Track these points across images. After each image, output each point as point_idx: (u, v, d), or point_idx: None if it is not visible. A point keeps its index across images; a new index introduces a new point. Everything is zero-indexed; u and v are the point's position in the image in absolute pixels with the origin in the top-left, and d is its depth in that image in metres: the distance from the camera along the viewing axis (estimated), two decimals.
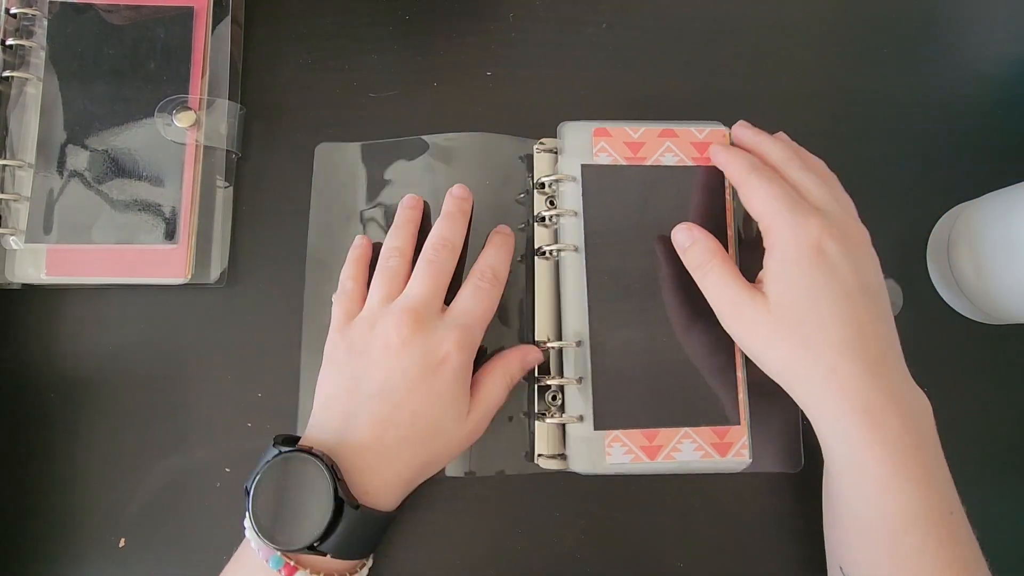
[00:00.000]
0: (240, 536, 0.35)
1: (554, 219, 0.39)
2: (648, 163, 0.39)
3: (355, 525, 0.32)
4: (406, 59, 0.45)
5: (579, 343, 0.37)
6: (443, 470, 0.38)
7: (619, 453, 0.37)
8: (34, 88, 0.41)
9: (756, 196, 0.34)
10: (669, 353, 0.38)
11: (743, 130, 0.38)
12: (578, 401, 0.37)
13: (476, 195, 0.41)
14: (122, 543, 0.38)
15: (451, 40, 0.45)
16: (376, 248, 0.40)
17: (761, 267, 0.35)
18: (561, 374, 0.38)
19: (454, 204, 0.39)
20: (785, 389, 0.34)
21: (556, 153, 0.40)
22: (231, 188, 0.42)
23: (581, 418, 0.37)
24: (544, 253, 0.39)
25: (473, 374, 0.36)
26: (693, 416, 0.37)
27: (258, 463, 0.32)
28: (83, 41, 0.41)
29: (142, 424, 0.40)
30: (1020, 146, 0.44)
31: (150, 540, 0.39)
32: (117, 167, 0.40)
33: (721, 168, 0.38)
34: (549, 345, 0.38)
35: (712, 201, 0.39)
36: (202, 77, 0.42)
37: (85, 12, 0.42)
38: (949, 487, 0.32)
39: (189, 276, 0.40)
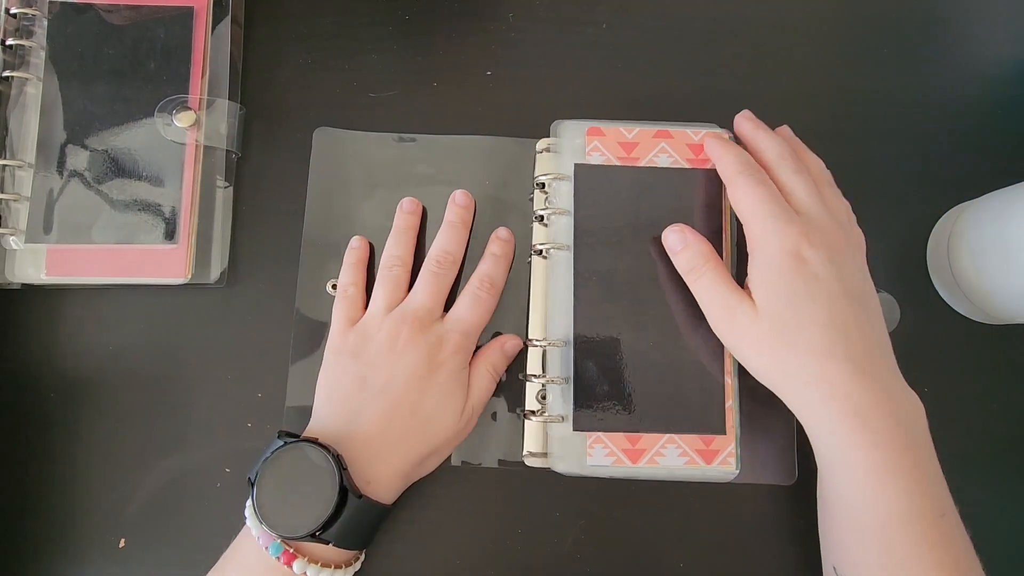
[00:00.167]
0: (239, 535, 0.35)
1: (550, 217, 0.39)
2: (641, 164, 0.39)
3: (357, 515, 0.33)
4: (406, 59, 0.45)
5: (565, 342, 0.38)
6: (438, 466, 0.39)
7: (600, 455, 0.37)
8: (34, 88, 0.41)
9: (741, 198, 0.35)
10: (655, 357, 0.37)
11: (744, 121, 0.38)
12: (560, 401, 0.37)
13: (476, 195, 0.42)
14: (122, 543, 0.38)
15: (451, 40, 0.45)
16: (372, 246, 0.41)
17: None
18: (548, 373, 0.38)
19: (456, 214, 0.41)
20: (776, 393, 0.34)
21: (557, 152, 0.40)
22: (231, 188, 0.42)
23: (563, 418, 0.37)
24: (541, 252, 0.40)
25: None
26: (677, 423, 0.37)
27: (262, 454, 0.33)
28: (83, 41, 0.41)
29: (142, 424, 0.40)
30: (1020, 146, 0.44)
31: (150, 540, 0.39)
32: (117, 167, 0.40)
33: (713, 160, 0.38)
34: (538, 343, 0.38)
35: (707, 204, 0.39)
36: (202, 77, 0.42)
37: (85, 12, 0.42)
38: (941, 489, 0.32)
39: (189, 276, 0.40)
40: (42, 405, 0.40)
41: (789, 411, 0.34)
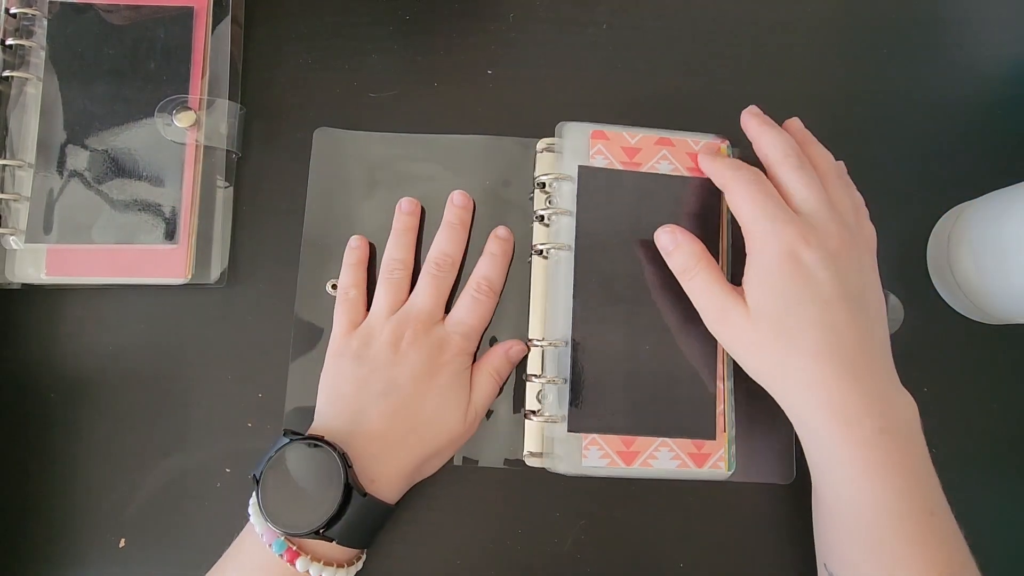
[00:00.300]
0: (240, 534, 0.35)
1: (551, 218, 0.39)
2: (643, 169, 0.39)
3: (360, 513, 0.33)
4: (406, 59, 0.45)
5: (564, 343, 0.38)
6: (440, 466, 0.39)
7: (595, 456, 0.37)
8: (34, 88, 0.41)
9: (738, 201, 0.34)
10: (651, 361, 0.38)
11: (751, 118, 0.37)
12: (557, 401, 0.37)
13: (476, 195, 0.42)
14: (122, 543, 0.38)
15: (451, 40, 0.45)
16: (372, 246, 0.41)
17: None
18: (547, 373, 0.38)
19: (455, 215, 0.41)
20: (769, 392, 0.34)
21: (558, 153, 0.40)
22: (231, 188, 0.42)
23: (560, 418, 0.37)
24: (541, 252, 0.40)
25: None
26: (669, 427, 0.37)
27: (267, 452, 0.33)
28: (83, 41, 0.41)
29: (142, 424, 0.40)
30: (1020, 146, 0.44)
31: (150, 540, 0.39)
32: (117, 167, 0.40)
33: (708, 174, 0.38)
34: (537, 344, 0.38)
35: (706, 212, 0.39)
36: (202, 77, 0.42)
37: (85, 12, 0.42)
38: (932, 487, 0.32)
39: (189, 276, 0.40)
40: (42, 405, 0.40)
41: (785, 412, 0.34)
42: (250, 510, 0.34)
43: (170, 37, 0.42)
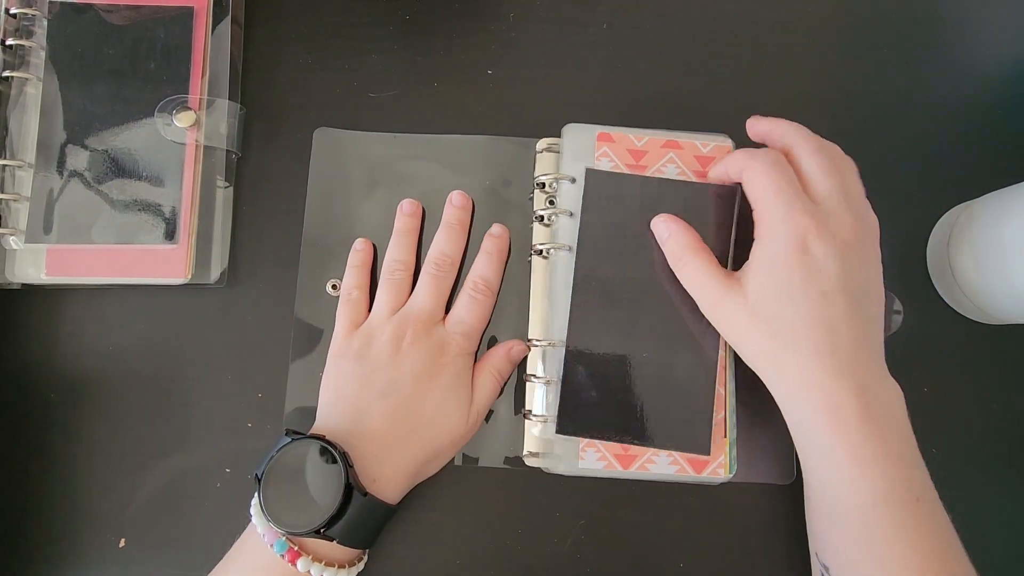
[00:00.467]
0: (240, 535, 0.35)
1: (552, 218, 0.39)
2: (649, 172, 0.39)
3: (361, 512, 0.33)
4: (406, 59, 0.45)
5: (563, 344, 0.37)
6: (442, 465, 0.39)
7: (592, 458, 0.37)
8: (34, 88, 0.41)
9: (754, 183, 0.34)
10: (647, 370, 0.37)
11: (756, 119, 0.37)
12: (554, 402, 0.37)
13: (476, 195, 0.42)
14: (122, 543, 0.38)
15: (451, 40, 0.45)
16: (375, 246, 0.41)
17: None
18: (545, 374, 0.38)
19: (454, 215, 0.41)
20: (761, 379, 0.34)
21: (558, 153, 0.40)
22: (231, 188, 0.42)
23: (553, 420, 0.37)
24: (541, 252, 0.40)
25: None
26: (662, 439, 0.36)
27: (268, 452, 0.33)
28: (83, 41, 0.41)
29: (142, 424, 0.40)
30: (1020, 146, 0.44)
31: (150, 540, 0.39)
32: (117, 167, 0.40)
33: (726, 174, 0.37)
34: (537, 344, 0.38)
35: (717, 220, 0.37)
36: (202, 77, 0.42)
37: (85, 12, 0.42)
38: (919, 474, 0.32)
39: (189, 276, 0.40)
40: (42, 405, 0.40)
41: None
42: (252, 510, 0.34)
43: (170, 37, 0.42)
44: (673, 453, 0.37)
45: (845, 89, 0.45)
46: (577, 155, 0.39)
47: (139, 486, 0.39)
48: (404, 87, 0.44)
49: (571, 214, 0.38)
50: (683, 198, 0.38)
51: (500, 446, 0.40)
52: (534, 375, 0.38)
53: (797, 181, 0.34)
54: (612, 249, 0.38)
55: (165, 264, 0.40)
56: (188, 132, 0.41)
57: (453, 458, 0.39)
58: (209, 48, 0.42)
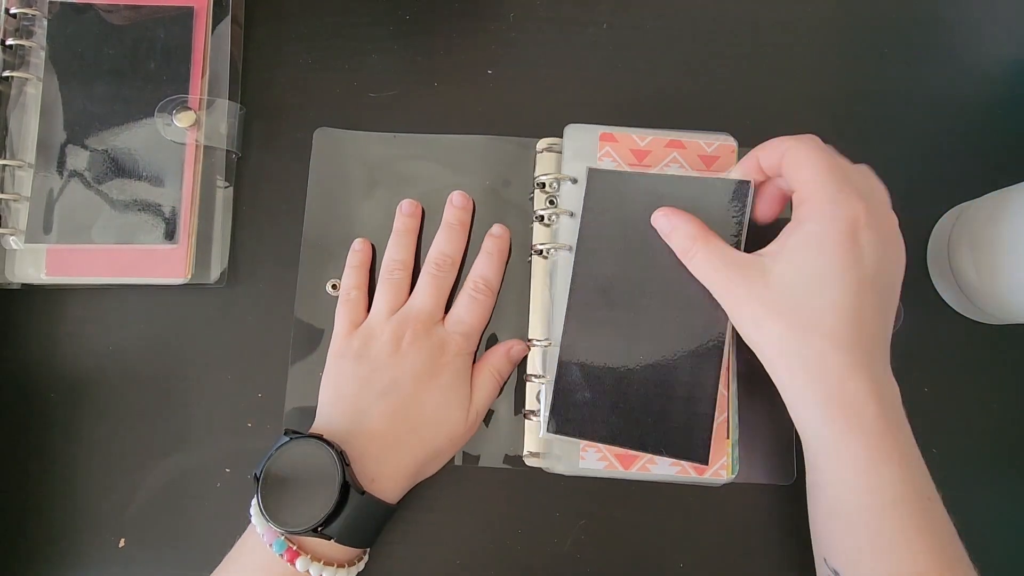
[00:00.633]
0: (240, 535, 0.35)
1: (553, 218, 0.39)
2: (652, 173, 0.38)
3: (359, 511, 0.33)
4: (406, 59, 0.45)
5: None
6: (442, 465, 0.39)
7: (593, 458, 0.37)
8: (34, 88, 0.41)
9: (806, 163, 0.32)
10: (645, 372, 0.36)
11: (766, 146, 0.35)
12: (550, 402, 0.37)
13: (476, 195, 0.42)
14: (122, 543, 0.38)
15: (451, 40, 0.45)
16: (374, 247, 0.41)
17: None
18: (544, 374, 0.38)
19: (454, 215, 0.41)
20: (765, 366, 0.33)
21: (559, 153, 0.40)
22: (231, 188, 0.42)
23: (546, 420, 0.37)
24: (541, 252, 0.39)
25: None
26: (658, 445, 0.35)
27: (267, 451, 0.33)
28: (83, 41, 0.41)
29: (142, 424, 0.40)
30: (1020, 146, 0.44)
31: (150, 540, 0.39)
32: (117, 167, 0.40)
33: (756, 165, 0.35)
34: (537, 343, 0.38)
35: (724, 217, 0.36)
36: (202, 77, 0.42)
37: (85, 12, 0.42)
38: (925, 474, 0.31)
39: (189, 276, 0.40)
40: (42, 405, 0.40)
41: (787, 410, 0.33)
42: (251, 510, 0.34)
43: (170, 37, 0.42)
44: None
45: (845, 89, 0.45)
46: (579, 155, 0.39)
47: (139, 486, 0.39)
48: (404, 87, 0.44)
49: (572, 214, 0.38)
50: (690, 194, 0.36)
51: (500, 446, 0.39)
52: (534, 375, 0.38)
53: (846, 162, 0.33)
54: (613, 249, 0.37)
55: (165, 264, 0.40)
56: (188, 132, 0.41)
57: (453, 458, 0.39)
58: (209, 48, 0.42)
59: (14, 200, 0.40)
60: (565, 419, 0.36)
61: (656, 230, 0.36)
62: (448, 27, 0.45)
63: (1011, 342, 0.42)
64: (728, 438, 0.37)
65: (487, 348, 0.40)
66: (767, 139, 0.35)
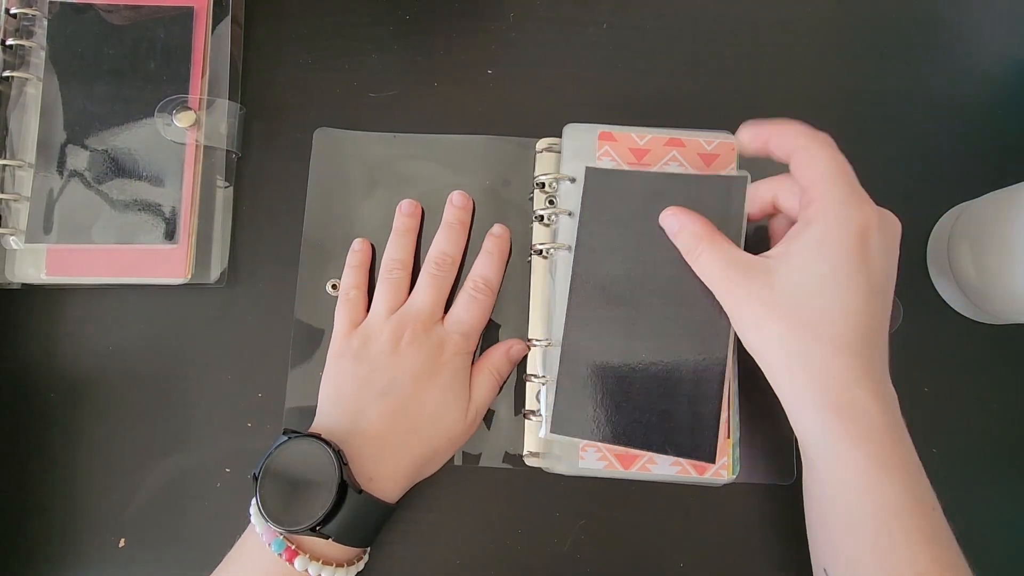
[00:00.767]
0: (240, 535, 0.35)
1: (553, 218, 0.39)
2: (649, 171, 0.38)
3: (357, 510, 0.33)
4: (406, 59, 0.45)
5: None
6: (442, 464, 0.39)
7: (593, 458, 0.37)
8: (34, 88, 0.41)
9: (816, 162, 0.31)
10: (647, 371, 0.35)
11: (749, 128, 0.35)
12: (551, 402, 0.37)
13: (476, 195, 0.42)
14: (122, 543, 0.39)
15: (451, 40, 0.45)
16: (373, 247, 0.42)
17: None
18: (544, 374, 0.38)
19: (454, 215, 0.41)
20: (764, 371, 0.32)
21: (559, 153, 0.40)
22: (231, 188, 0.42)
23: (548, 420, 0.37)
24: (541, 252, 0.39)
25: None
26: (662, 444, 0.35)
27: (266, 450, 0.33)
28: (83, 41, 0.41)
29: (142, 424, 0.40)
30: (1020, 146, 0.44)
31: (150, 540, 0.39)
32: (117, 167, 0.40)
33: (764, 146, 0.34)
34: (537, 343, 0.38)
35: (724, 214, 0.36)
36: (202, 77, 0.42)
37: (85, 12, 0.42)
38: (926, 482, 0.31)
39: (189, 276, 0.40)
40: (42, 405, 0.40)
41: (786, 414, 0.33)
42: (251, 510, 0.34)
43: (170, 37, 0.42)
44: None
45: (845, 89, 0.45)
46: (578, 155, 0.39)
47: (139, 486, 0.39)
48: (404, 87, 0.44)
49: (571, 214, 0.38)
50: (688, 191, 0.36)
51: (500, 446, 0.39)
52: (534, 375, 0.38)
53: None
54: (613, 247, 0.37)
55: (165, 264, 0.40)
56: (188, 132, 0.41)
57: (453, 457, 0.39)
58: (209, 48, 0.42)
59: (14, 200, 0.40)
60: (567, 419, 0.36)
61: (657, 228, 0.36)
62: (448, 27, 0.45)
63: (1011, 342, 0.42)
64: (729, 438, 0.37)
65: (487, 348, 0.40)
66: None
